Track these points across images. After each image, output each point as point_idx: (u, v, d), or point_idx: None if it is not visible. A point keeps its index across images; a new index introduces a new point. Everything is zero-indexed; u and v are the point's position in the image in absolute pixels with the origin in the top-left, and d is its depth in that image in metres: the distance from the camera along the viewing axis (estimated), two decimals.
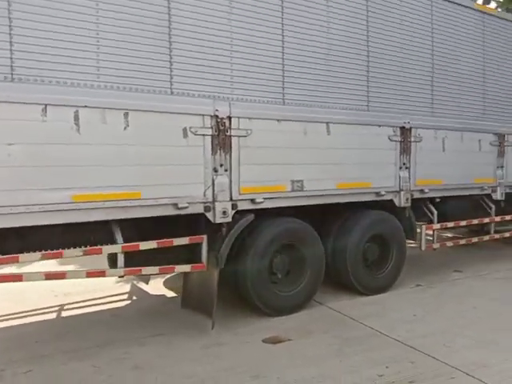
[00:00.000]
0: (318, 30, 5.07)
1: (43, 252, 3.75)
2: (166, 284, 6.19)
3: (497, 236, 7.30)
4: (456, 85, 6.51)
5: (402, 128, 5.85)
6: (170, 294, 5.89)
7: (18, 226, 3.58)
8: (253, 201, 4.67)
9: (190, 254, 4.62)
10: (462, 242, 6.93)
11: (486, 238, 7.20)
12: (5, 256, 3.61)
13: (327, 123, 5.15)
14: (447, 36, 6.32)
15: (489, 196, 7.17)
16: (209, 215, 4.44)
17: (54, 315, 5.18)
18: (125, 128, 3.96)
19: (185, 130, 4.24)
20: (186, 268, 4.47)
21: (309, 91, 5.05)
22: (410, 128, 5.92)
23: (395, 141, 5.80)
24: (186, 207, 4.27)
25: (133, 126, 3.98)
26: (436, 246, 6.51)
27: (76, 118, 3.74)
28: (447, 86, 6.40)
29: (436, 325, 4.71)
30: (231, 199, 4.50)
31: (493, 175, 7.10)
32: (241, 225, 4.65)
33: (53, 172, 3.67)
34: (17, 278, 3.73)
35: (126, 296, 5.86)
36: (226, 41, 4.49)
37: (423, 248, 6.33)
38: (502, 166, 7.24)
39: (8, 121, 3.48)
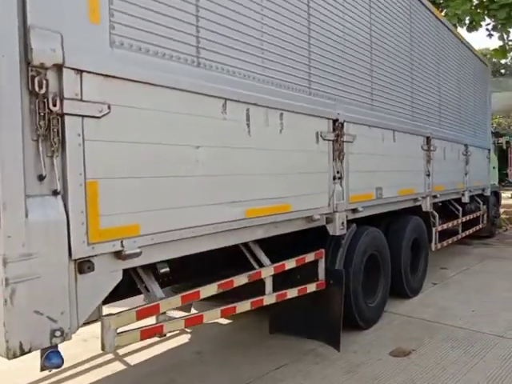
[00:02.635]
0: None
1: (218, 283, 2.97)
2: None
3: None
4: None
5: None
6: (221, 320, 5.20)
7: (195, 252, 2.79)
8: (354, 210, 4.47)
9: (297, 273, 4.17)
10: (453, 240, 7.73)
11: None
12: (187, 292, 2.74)
13: (393, 130, 5.23)
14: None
15: (458, 200, 8.11)
16: (329, 227, 4.09)
17: (120, 365, 4.11)
18: (280, 131, 3.42)
19: (317, 134, 3.86)
20: (311, 287, 4.02)
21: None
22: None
23: (425, 150, 6.18)
24: (318, 219, 3.87)
25: (286, 128, 3.46)
26: (438, 246, 7.10)
27: (247, 117, 3.09)
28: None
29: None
30: (345, 209, 4.23)
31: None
32: (349, 236, 4.41)
33: (231, 182, 2.97)
34: (158, 329, 2.65)
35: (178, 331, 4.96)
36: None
37: (433, 249, 6.85)
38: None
39: (195, 117, 2.71)
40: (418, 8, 5.93)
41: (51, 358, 1.99)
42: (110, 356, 4.22)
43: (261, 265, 3.45)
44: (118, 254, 2.28)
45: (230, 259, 3.64)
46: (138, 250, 2.34)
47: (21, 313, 1.90)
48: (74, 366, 3.98)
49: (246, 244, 3.39)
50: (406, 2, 5.56)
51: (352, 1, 4.35)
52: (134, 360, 4.18)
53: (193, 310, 3.64)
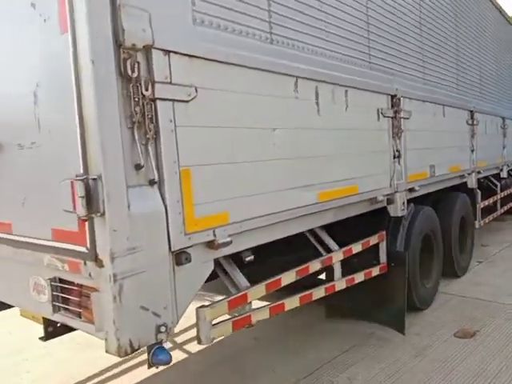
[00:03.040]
0: None
1: (296, 269, 2.86)
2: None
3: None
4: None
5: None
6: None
7: (274, 239, 2.69)
8: (411, 190, 4.32)
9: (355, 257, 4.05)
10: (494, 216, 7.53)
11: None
12: (270, 281, 2.64)
13: (443, 105, 5.04)
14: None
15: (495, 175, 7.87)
16: (390, 208, 3.95)
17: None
18: (346, 109, 3.27)
19: (378, 111, 3.70)
20: (375, 271, 3.90)
21: None
22: None
23: (469, 124, 5.97)
24: (381, 201, 3.74)
25: (350, 106, 3.31)
26: (482, 223, 6.92)
27: (316, 95, 2.95)
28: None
29: None
30: (404, 189, 4.09)
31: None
32: (407, 217, 4.27)
33: (304, 164, 2.84)
34: (247, 320, 2.48)
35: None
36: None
37: (477, 226, 6.68)
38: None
39: (269, 97, 2.57)
40: None
41: (158, 354, 1.91)
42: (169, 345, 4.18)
43: (327, 250, 3.34)
44: (211, 244, 2.18)
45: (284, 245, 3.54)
46: (229, 239, 2.24)
47: (128, 309, 1.81)
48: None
49: (311, 229, 3.27)
50: None
51: None
52: (193, 348, 4.12)
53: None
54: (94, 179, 1.72)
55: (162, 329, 1.92)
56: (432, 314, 4.65)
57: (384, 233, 3.99)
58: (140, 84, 1.86)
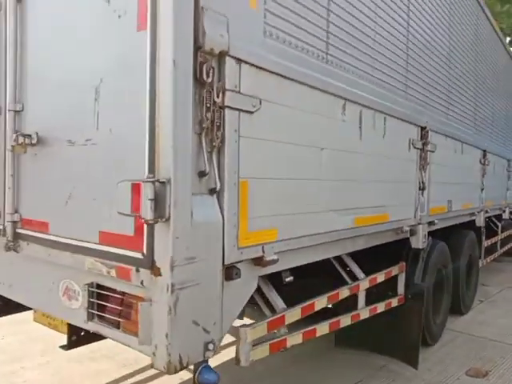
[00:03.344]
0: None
1: (328, 295, 2.78)
2: None
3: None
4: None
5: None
6: None
7: (309, 261, 2.61)
8: (430, 223, 4.30)
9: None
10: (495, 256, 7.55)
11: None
12: (304, 304, 2.55)
13: (462, 142, 5.08)
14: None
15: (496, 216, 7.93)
16: (412, 239, 3.91)
17: None
18: (383, 136, 3.25)
19: (409, 141, 3.70)
20: (394, 302, 3.82)
21: None
22: None
23: (481, 163, 6.03)
24: (406, 231, 3.70)
25: (388, 133, 3.30)
26: (484, 262, 6.93)
27: (360, 120, 2.93)
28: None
29: None
30: (426, 222, 4.06)
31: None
32: (426, 250, 4.23)
33: (344, 188, 2.79)
34: (283, 343, 2.39)
35: None
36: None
37: (480, 265, 6.67)
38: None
39: (320, 117, 2.54)
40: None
41: (205, 373, 1.80)
42: None
43: (353, 277, 3.27)
44: (258, 261, 2.10)
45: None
46: (276, 257, 2.16)
47: (182, 323, 1.71)
48: None
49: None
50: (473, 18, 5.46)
51: (436, 20, 4.21)
52: None
53: None
54: (163, 183, 1.64)
55: (210, 346, 1.82)
56: (441, 349, 4.58)
57: (404, 264, 3.93)
58: (212, 90, 1.81)
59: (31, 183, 2.33)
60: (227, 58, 1.87)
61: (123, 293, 1.93)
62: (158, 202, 1.62)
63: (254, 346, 2.15)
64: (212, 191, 1.85)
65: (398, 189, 3.58)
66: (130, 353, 2.57)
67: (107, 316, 1.98)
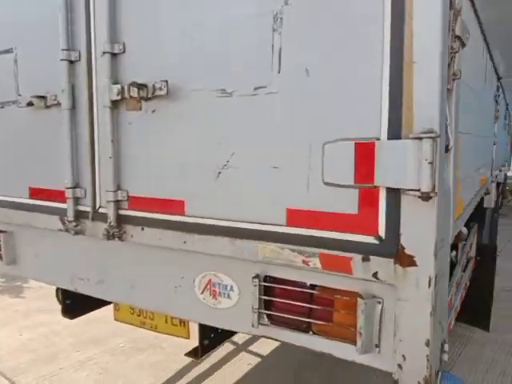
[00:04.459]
0: None
1: None
2: None
3: None
4: None
5: None
6: None
7: None
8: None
9: None
10: None
11: None
12: None
13: None
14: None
15: None
16: (486, 199, 3.83)
17: None
18: None
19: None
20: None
21: None
22: None
23: None
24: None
25: None
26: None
27: None
28: None
29: None
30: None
31: None
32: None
33: None
34: None
35: None
36: None
37: None
38: None
39: None
40: None
41: (448, 379, 1.42)
42: None
43: None
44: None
45: None
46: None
47: (437, 325, 1.31)
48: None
49: None
50: None
51: None
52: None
53: None
54: (434, 139, 1.18)
55: (446, 347, 1.45)
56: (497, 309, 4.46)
57: (477, 225, 3.71)
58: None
59: (145, 151, 1.77)
60: None
61: (312, 286, 1.50)
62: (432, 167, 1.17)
63: None
64: (446, 149, 1.42)
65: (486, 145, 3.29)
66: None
67: (286, 316, 1.55)
